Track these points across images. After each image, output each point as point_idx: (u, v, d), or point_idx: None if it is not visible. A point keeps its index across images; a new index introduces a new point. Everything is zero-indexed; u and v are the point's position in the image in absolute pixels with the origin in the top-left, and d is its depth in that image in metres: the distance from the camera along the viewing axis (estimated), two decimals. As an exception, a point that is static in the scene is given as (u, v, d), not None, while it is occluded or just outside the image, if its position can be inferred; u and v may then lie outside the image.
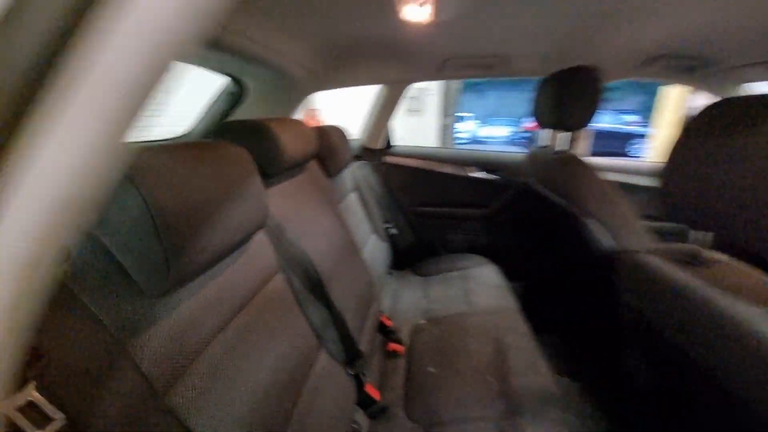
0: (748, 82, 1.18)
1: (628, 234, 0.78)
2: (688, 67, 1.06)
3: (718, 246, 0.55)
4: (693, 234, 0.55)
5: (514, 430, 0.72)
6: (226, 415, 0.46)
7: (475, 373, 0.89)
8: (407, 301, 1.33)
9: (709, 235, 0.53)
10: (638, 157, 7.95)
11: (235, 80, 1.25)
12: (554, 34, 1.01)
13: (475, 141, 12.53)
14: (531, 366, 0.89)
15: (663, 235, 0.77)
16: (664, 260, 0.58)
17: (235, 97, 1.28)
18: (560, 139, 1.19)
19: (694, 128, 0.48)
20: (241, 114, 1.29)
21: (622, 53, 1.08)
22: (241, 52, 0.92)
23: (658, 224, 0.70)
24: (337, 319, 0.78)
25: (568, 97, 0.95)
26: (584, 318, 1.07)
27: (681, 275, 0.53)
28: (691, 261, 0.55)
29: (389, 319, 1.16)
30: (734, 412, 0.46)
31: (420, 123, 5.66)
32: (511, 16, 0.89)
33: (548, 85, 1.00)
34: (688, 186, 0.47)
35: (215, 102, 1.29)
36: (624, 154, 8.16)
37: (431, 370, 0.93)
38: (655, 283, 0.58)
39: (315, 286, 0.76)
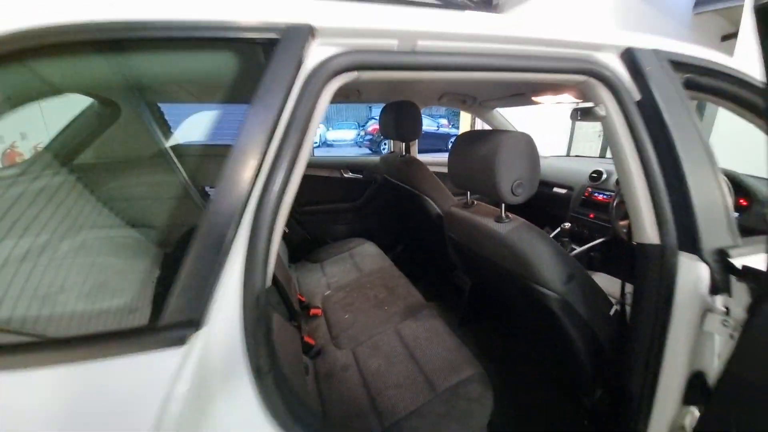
0: (492, 108, 2.03)
1: (446, 201, 1.35)
2: (462, 100, 1.79)
3: (479, 199, 1.14)
4: (469, 193, 1.11)
5: (405, 328, 1.18)
6: None
7: (376, 308, 1.31)
8: (311, 283, 1.63)
9: (469, 193, 1.10)
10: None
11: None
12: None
13: (325, 144, 13.11)
14: (409, 296, 1.38)
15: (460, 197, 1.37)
16: (458, 208, 1.14)
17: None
18: (401, 146, 1.76)
19: (458, 140, 1.02)
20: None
21: (427, 92, 1.72)
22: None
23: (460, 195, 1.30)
24: (279, 287, 1.05)
25: (400, 120, 1.48)
26: (434, 260, 1.65)
27: (464, 212, 1.08)
28: (467, 205, 1.12)
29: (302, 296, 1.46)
30: (512, 282, 0.98)
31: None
32: None
33: (388, 111, 1.51)
34: (457, 171, 1.00)
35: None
36: (443, 150, 10.43)
37: (346, 316, 1.30)
38: (458, 221, 1.13)
39: None
